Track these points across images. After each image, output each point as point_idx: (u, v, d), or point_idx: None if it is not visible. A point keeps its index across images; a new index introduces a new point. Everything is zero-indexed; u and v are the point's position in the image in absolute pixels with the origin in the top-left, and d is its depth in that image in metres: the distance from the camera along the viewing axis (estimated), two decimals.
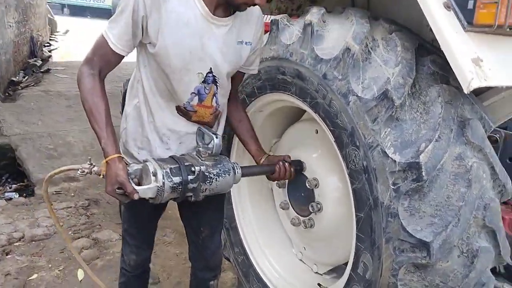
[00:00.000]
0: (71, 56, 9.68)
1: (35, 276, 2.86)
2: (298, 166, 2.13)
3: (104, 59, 1.63)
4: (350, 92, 1.65)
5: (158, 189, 1.60)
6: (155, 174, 1.61)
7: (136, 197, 1.55)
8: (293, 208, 2.29)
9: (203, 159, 1.75)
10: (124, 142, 1.84)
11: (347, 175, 1.72)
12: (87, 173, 1.62)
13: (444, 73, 1.63)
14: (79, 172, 1.63)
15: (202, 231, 2.00)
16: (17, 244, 3.19)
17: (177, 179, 1.63)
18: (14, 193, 4.31)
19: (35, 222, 3.49)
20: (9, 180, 4.62)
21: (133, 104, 1.78)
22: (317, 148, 2.14)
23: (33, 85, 6.93)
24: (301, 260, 2.46)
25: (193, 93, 1.70)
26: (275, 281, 2.36)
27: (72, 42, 11.21)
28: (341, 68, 1.69)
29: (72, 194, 4.16)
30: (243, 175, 1.90)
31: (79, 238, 3.36)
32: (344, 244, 2.07)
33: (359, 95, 1.61)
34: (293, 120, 2.48)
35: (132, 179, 1.62)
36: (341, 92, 1.68)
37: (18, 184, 4.46)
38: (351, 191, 1.71)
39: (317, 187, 2.09)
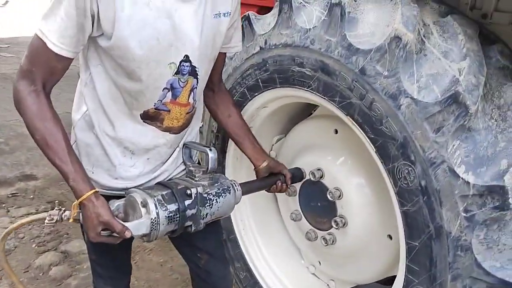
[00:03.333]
0: (15, 31, 8.71)
1: None
2: (297, 175, 1.84)
3: (46, 67, 1.25)
4: (401, 92, 1.30)
5: (152, 222, 1.34)
6: (145, 205, 1.34)
7: (128, 235, 1.28)
8: (307, 220, 1.96)
9: (197, 179, 1.48)
10: None
11: (395, 194, 1.40)
12: (57, 220, 1.31)
13: None
14: (47, 220, 1.31)
15: (200, 257, 1.69)
16: None
17: (172, 207, 1.38)
18: None
19: None
20: None
21: (81, 112, 1.44)
22: (338, 152, 1.81)
23: None
24: (314, 274, 2.16)
25: (165, 88, 1.36)
26: None
27: (14, 15, 10.13)
28: (386, 61, 1.33)
29: (31, 196, 3.65)
30: (243, 193, 1.61)
31: (45, 252, 2.91)
32: (374, 262, 1.79)
33: (415, 97, 1.28)
34: (299, 116, 2.13)
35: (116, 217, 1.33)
36: (388, 93, 1.33)
37: None
38: (399, 214, 1.40)
39: (341, 198, 1.77)
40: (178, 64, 1.33)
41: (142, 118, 1.42)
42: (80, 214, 1.32)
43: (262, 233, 2.23)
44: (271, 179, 1.75)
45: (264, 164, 1.70)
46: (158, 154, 1.50)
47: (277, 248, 2.22)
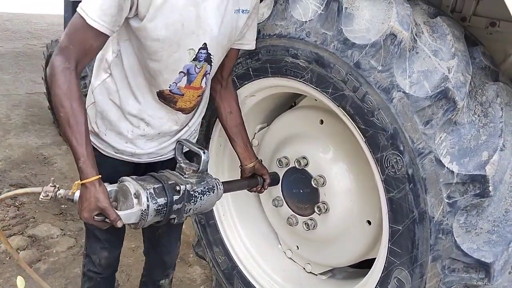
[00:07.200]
0: None
1: None
2: (274, 179, 1.95)
3: (83, 46, 1.32)
4: (394, 87, 1.39)
5: (142, 213, 1.42)
6: (137, 196, 1.42)
7: (119, 224, 1.36)
8: (289, 206, 2.04)
9: (186, 176, 1.57)
10: (90, 118, 1.56)
11: (381, 182, 1.50)
12: (51, 197, 1.37)
13: (494, 68, 1.45)
14: (42, 196, 1.37)
15: (157, 227, 1.76)
16: None
17: (161, 201, 1.46)
18: None
19: None
20: None
21: (101, 78, 1.55)
22: (323, 141, 1.89)
23: None
24: (290, 258, 2.25)
25: (181, 72, 1.46)
26: (268, 286, 2.13)
27: None
28: (381, 57, 1.42)
29: None
30: (224, 191, 1.70)
31: (11, 236, 2.82)
32: (352, 246, 1.89)
33: (407, 91, 1.37)
34: (281, 106, 2.19)
35: None
36: (382, 86, 1.42)
37: None
38: (385, 200, 1.50)
39: (324, 185, 1.85)
40: (197, 51, 1.43)
41: (158, 96, 1.52)
42: (75, 194, 1.38)
43: (241, 218, 2.28)
44: (251, 180, 1.84)
45: (251, 165, 1.82)
46: (169, 130, 1.62)
47: (256, 233, 2.28)
